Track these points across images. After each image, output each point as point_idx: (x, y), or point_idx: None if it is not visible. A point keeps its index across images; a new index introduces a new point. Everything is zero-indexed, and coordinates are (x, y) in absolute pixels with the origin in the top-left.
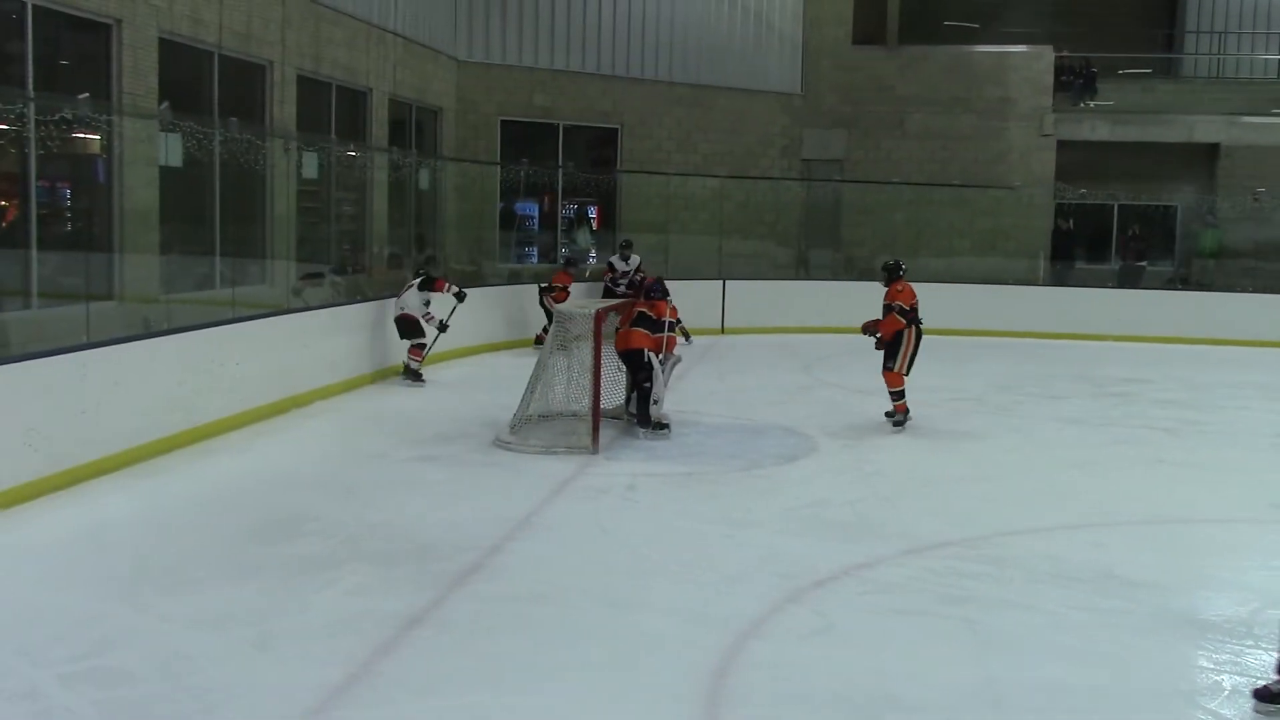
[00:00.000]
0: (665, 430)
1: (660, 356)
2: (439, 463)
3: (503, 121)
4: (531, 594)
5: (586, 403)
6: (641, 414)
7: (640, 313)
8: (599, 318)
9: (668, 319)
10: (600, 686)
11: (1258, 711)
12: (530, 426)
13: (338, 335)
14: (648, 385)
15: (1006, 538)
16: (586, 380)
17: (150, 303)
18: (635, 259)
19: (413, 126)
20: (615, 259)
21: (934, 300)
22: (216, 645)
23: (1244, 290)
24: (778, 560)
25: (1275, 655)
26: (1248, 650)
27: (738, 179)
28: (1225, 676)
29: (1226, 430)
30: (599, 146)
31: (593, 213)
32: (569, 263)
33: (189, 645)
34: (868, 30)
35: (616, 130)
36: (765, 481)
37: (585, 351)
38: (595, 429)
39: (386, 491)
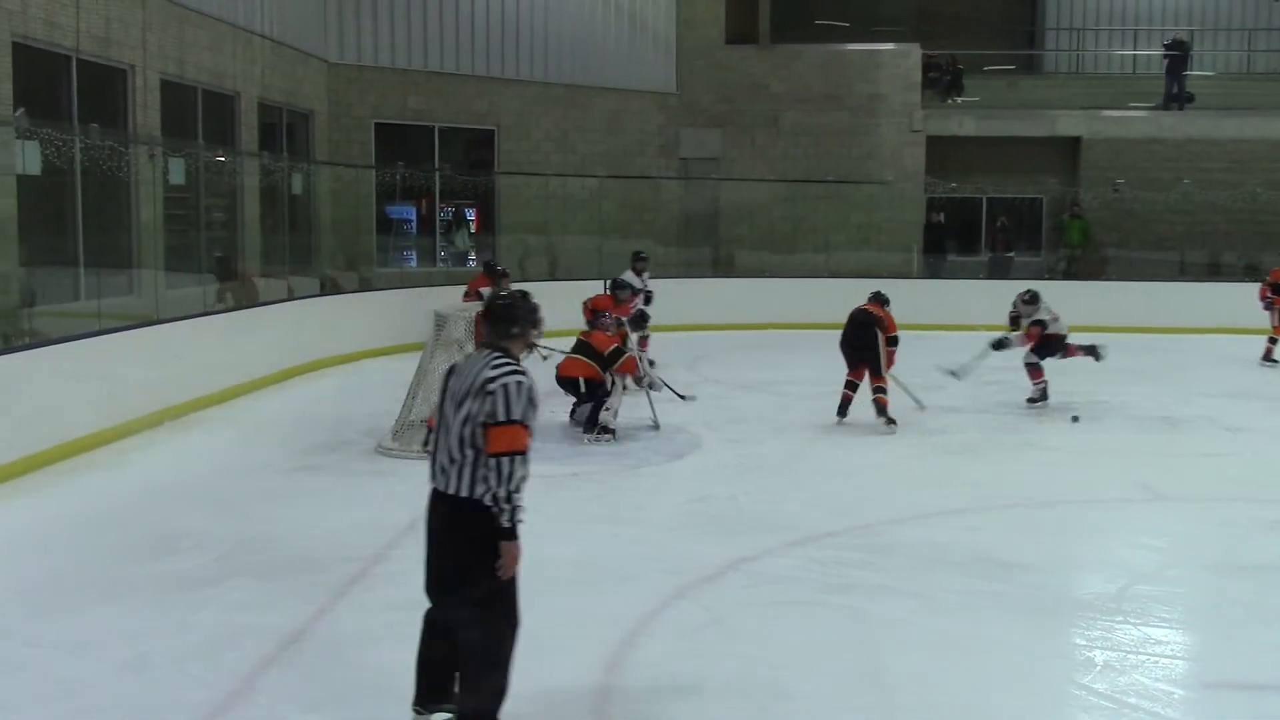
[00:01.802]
0: (610, 436)
1: (613, 377)
2: (320, 472)
3: (377, 124)
4: (417, 602)
5: None
6: (591, 418)
7: (580, 341)
8: (479, 320)
9: (617, 347)
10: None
11: None
12: (413, 431)
13: (212, 345)
14: (604, 398)
15: (887, 526)
16: None
17: (10, 317)
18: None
19: (284, 130)
20: (628, 275)
21: (812, 294)
22: (89, 669)
23: (1109, 278)
24: (665, 557)
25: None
26: (1118, 626)
27: (616, 179)
28: (1097, 652)
29: (1095, 414)
30: (476, 148)
31: (471, 215)
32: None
33: (60, 670)
34: (740, 30)
35: (493, 132)
36: (651, 479)
37: (468, 354)
38: None
39: (266, 503)
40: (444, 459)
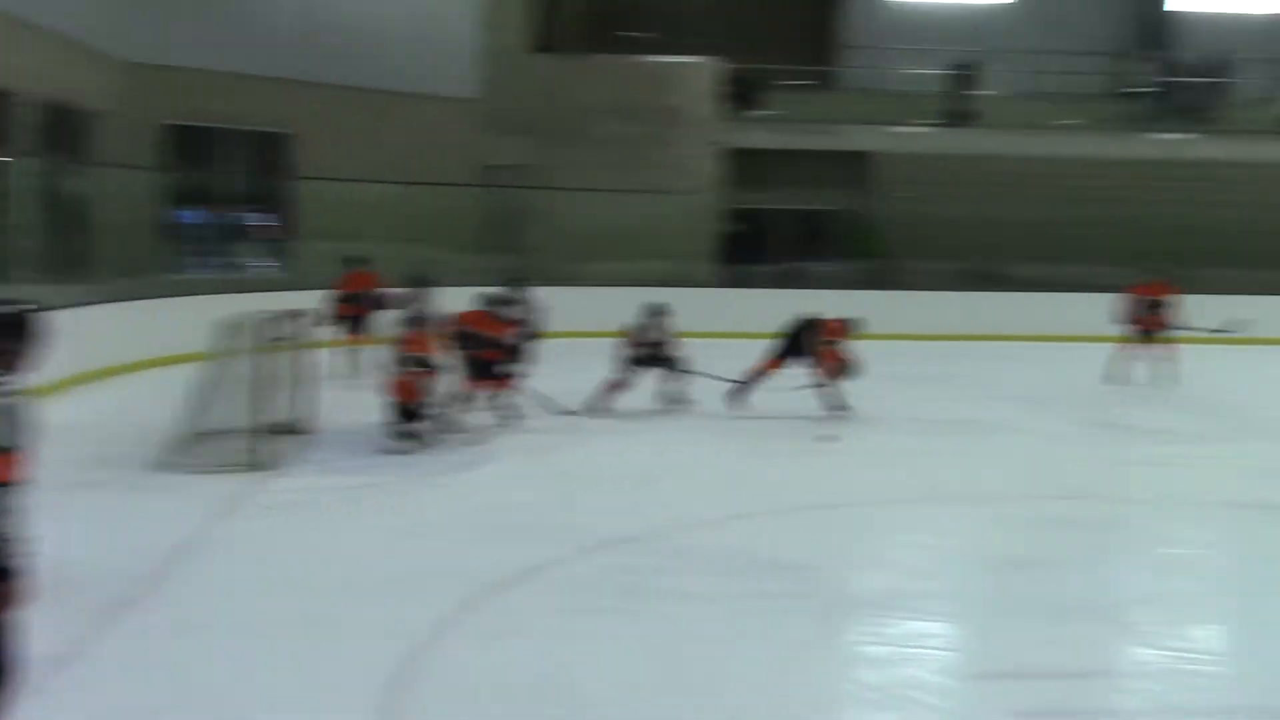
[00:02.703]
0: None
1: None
2: (96, 488)
3: (167, 126)
4: (197, 622)
5: (256, 417)
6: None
7: (405, 355)
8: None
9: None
10: (274, 708)
11: None
12: (197, 444)
13: None
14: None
15: (683, 531)
16: (255, 394)
17: None
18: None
19: (66, 130)
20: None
21: (615, 303)
22: None
23: (900, 288)
24: (458, 567)
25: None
26: (893, 621)
27: (418, 185)
28: (871, 647)
29: (891, 417)
30: (271, 152)
31: (266, 221)
32: None
33: None
34: (546, 39)
35: (291, 135)
36: (443, 490)
37: (254, 364)
38: (265, 444)
39: (32, 521)
40: None
